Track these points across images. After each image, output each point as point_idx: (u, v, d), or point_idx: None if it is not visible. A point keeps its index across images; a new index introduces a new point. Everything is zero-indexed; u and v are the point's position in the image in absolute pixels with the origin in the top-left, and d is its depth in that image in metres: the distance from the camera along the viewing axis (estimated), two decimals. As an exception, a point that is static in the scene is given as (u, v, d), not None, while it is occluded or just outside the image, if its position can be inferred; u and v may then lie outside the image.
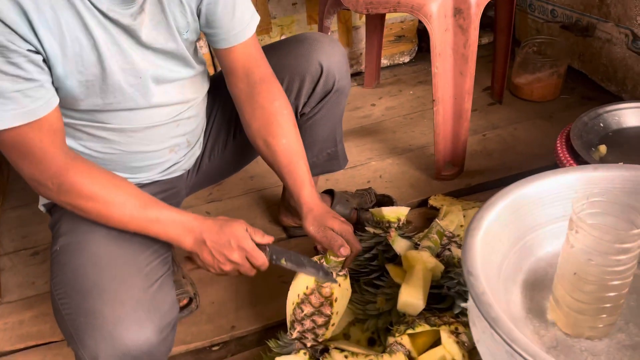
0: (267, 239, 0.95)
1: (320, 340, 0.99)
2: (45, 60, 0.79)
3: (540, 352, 0.52)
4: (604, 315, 0.61)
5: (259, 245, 0.93)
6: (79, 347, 0.82)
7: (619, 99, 1.72)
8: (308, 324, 0.98)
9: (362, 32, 2.02)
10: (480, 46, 2.13)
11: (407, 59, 2.18)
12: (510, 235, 0.71)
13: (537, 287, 0.70)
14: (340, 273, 1.01)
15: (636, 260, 0.58)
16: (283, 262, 0.96)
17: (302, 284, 0.99)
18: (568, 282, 0.61)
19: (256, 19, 1.01)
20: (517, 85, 1.84)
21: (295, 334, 0.99)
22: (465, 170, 1.55)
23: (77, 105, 0.87)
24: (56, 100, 0.82)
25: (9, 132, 0.77)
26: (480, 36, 2.17)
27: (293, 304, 1.00)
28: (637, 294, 0.66)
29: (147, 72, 0.89)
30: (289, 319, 1.01)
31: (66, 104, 0.86)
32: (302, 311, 0.97)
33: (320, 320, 0.98)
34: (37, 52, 0.77)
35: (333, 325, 1.00)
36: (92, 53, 0.81)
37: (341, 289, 1.00)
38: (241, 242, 0.90)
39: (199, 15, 0.93)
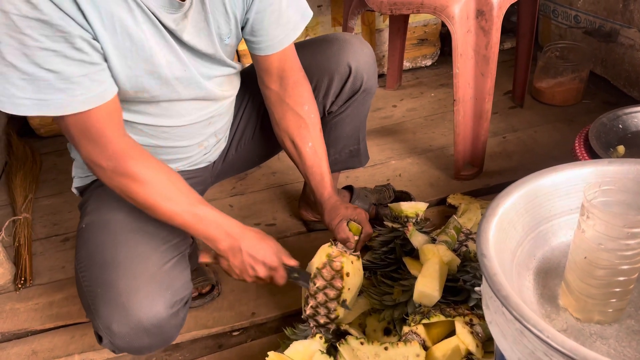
0: (294, 262, 1.01)
1: (332, 316, 1.03)
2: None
3: (549, 327, 0.54)
4: (614, 300, 0.63)
5: (285, 266, 1.00)
6: (94, 316, 0.87)
7: (642, 105, 1.72)
8: (320, 297, 1.02)
9: (385, 34, 2.06)
10: (502, 51, 2.16)
11: (429, 62, 2.21)
12: (525, 224, 0.73)
13: (550, 274, 0.72)
14: (354, 253, 1.05)
15: (645, 246, 0.60)
16: (299, 280, 1.03)
17: (318, 259, 1.04)
18: (579, 267, 0.63)
19: (307, 17, 1.02)
20: (538, 90, 1.86)
21: (308, 310, 1.03)
22: (485, 170, 1.57)
23: (121, 95, 0.89)
24: (115, 86, 0.85)
25: (75, 115, 0.81)
26: (502, 41, 2.20)
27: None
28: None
29: (190, 67, 0.93)
30: (303, 298, 1.06)
31: None
32: (315, 284, 1.02)
33: (332, 293, 1.02)
34: (94, 38, 0.80)
35: (344, 301, 1.03)
36: (140, 46, 0.85)
37: (353, 267, 1.04)
38: (272, 262, 0.97)
39: (244, 24, 0.97)
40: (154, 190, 0.88)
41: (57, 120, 0.84)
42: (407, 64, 2.17)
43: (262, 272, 0.96)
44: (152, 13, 0.84)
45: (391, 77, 2.06)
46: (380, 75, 2.15)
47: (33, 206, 1.66)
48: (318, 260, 1.05)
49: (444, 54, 2.23)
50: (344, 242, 1.06)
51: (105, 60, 0.83)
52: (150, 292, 0.86)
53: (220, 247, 0.94)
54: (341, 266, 1.02)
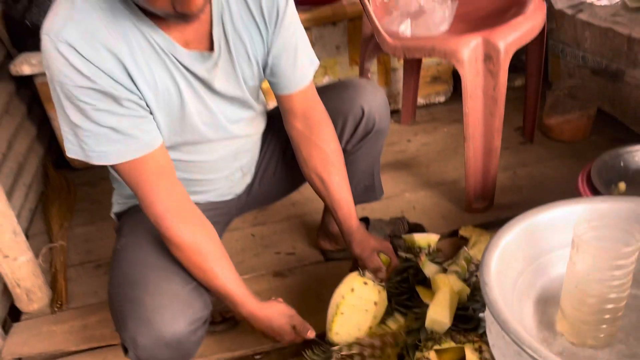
0: (311, 334, 1.12)
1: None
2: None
3: (543, 349, 0.61)
4: (605, 326, 0.70)
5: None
6: (122, 329, 0.96)
7: (648, 141, 1.78)
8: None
9: (400, 73, 2.17)
10: (513, 88, 2.25)
11: (442, 99, 2.31)
12: (526, 256, 0.81)
13: (549, 302, 0.79)
14: (381, 283, 1.14)
15: (631, 275, 0.67)
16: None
17: (346, 287, 1.13)
18: (572, 296, 0.70)
19: (315, 64, 1.14)
20: (548, 126, 1.93)
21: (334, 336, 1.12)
22: (495, 204, 1.64)
23: None
24: (160, 135, 0.98)
25: (129, 164, 0.94)
26: (513, 79, 2.29)
27: (336, 305, 1.13)
28: (632, 312, 0.75)
29: (217, 113, 1.05)
30: (329, 319, 1.13)
31: None
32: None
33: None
34: (140, 98, 0.94)
35: (370, 328, 1.11)
36: (177, 99, 0.97)
37: (380, 297, 1.13)
38: (282, 338, 1.10)
39: (264, 67, 1.08)
40: (187, 256, 1.00)
41: (117, 168, 0.96)
42: (421, 101, 2.27)
43: (282, 340, 1.10)
44: (186, 68, 0.96)
45: (406, 113, 2.16)
46: (396, 111, 2.25)
47: (68, 234, 1.77)
48: (345, 288, 1.13)
49: (456, 91, 2.32)
50: (376, 271, 1.16)
51: (150, 112, 0.96)
52: (173, 309, 0.95)
53: (239, 314, 1.08)
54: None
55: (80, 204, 1.94)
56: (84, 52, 0.84)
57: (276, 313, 1.09)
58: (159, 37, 0.92)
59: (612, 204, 0.81)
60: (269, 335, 1.10)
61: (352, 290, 1.13)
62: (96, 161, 0.93)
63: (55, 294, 1.51)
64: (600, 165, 1.27)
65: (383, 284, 1.15)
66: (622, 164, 1.30)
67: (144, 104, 0.94)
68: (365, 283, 1.14)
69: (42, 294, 1.48)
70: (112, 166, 0.95)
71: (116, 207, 1.20)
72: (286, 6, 1.02)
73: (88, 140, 0.91)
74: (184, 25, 0.93)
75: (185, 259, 1.00)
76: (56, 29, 0.84)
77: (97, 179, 2.06)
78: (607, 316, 0.69)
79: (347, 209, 1.20)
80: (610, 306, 0.68)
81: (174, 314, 0.95)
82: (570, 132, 1.88)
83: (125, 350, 0.99)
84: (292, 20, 1.05)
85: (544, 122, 1.95)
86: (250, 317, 1.07)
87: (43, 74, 1.91)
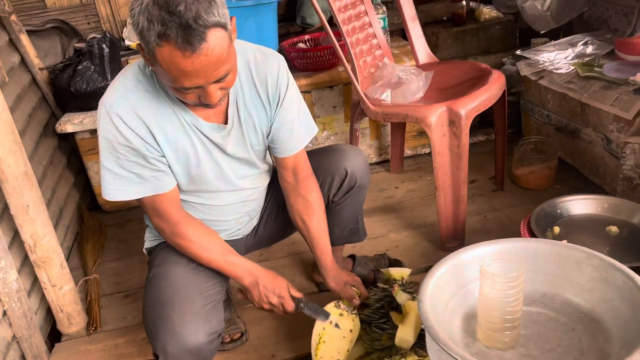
0: (299, 294, 1.38)
1: None
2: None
3: (453, 345, 0.88)
4: (508, 332, 0.96)
5: (292, 297, 1.36)
6: (155, 340, 1.22)
7: (603, 190, 2.05)
8: None
9: (389, 128, 2.48)
10: (490, 141, 2.55)
11: (427, 150, 2.60)
12: (456, 283, 1.07)
13: (473, 318, 1.05)
14: (353, 312, 1.39)
15: (521, 294, 0.93)
16: (304, 309, 1.38)
17: (320, 325, 1.40)
18: (483, 310, 0.97)
19: (313, 132, 1.42)
20: (516, 176, 2.22)
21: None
22: (466, 243, 1.90)
23: (180, 187, 1.33)
24: (175, 182, 1.30)
25: (147, 198, 1.26)
26: (488, 133, 2.60)
27: (318, 335, 1.39)
28: (533, 324, 1.01)
29: (227, 170, 1.35)
30: (313, 346, 1.39)
31: None
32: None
33: None
34: (162, 156, 1.25)
35: (348, 351, 1.37)
36: (194, 159, 1.28)
37: (354, 323, 1.38)
38: (281, 292, 1.34)
39: (267, 135, 1.38)
40: (198, 245, 1.31)
41: (138, 201, 1.27)
42: (409, 152, 2.57)
43: (274, 300, 1.33)
44: (205, 135, 1.27)
45: (394, 163, 2.46)
46: (386, 161, 2.55)
47: (100, 268, 2.06)
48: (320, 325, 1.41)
49: (441, 143, 2.62)
50: (351, 299, 1.42)
51: (169, 167, 1.27)
52: (195, 324, 1.21)
53: (244, 282, 1.34)
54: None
55: (110, 242, 2.24)
56: (126, 121, 1.18)
57: (275, 273, 1.36)
58: (187, 114, 1.24)
59: (514, 244, 1.10)
60: (264, 294, 1.32)
61: (331, 322, 1.40)
62: (114, 197, 1.24)
63: (90, 319, 1.78)
64: (539, 213, 1.55)
65: (356, 312, 1.42)
66: (558, 211, 1.57)
67: (165, 161, 1.26)
68: (341, 314, 1.41)
69: (80, 319, 1.76)
70: (138, 200, 1.26)
71: (147, 244, 1.49)
72: (286, 91, 1.33)
73: (113, 181, 1.23)
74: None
75: (193, 250, 1.30)
76: (111, 102, 1.18)
77: (125, 221, 2.37)
78: (508, 325, 0.95)
79: (324, 247, 1.46)
80: (509, 317, 0.94)
81: (195, 328, 1.21)
82: (536, 181, 2.16)
83: (156, 357, 1.26)
84: (292, 101, 1.36)
85: (513, 172, 2.23)
86: (254, 273, 1.32)
87: (83, 132, 2.25)
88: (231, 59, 1.08)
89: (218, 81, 1.08)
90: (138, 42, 1.06)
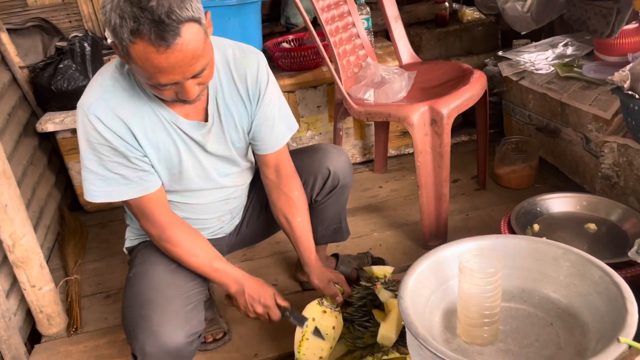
0: (285, 303, 1.37)
1: None
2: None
3: (431, 339, 0.88)
4: (486, 328, 0.97)
5: (278, 306, 1.36)
6: (133, 340, 1.21)
7: (582, 189, 2.08)
8: None
9: (373, 128, 2.49)
10: (473, 141, 2.58)
11: (411, 150, 2.62)
12: (437, 280, 1.08)
13: (453, 314, 1.06)
14: (336, 309, 1.40)
15: (499, 289, 0.95)
16: (290, 318, 1.37)
17: (308, 316, 1.40)
18: (462, 306, 0.98)
19: (293, 129, 1.41)
20: (498, 175, 2.24)
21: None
22: (448, 242, 1.92)
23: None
24: (160, 182, 1.28)
25: (133, 200, 1.24)
26: (471, 134, 2.62)
27: (302, 332, 1.39)
28: (512, 319, 1.02)
29: (209, 168, 1.34)
30: (296, 343, 1.39)
31: None
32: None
33: None
34: (144, 156, 1.24)
35: (331, 348, 1.37)
36: (175, 158, 1.27)
37: (337, 321, 1.39)
38: (267, 301, 1.34)
39: (248, 132, 1.38)
40: (185, 250, 1.29)
41: (124, 202, 1.25)
42: (392, 152, 2.59)
43: (260, 310, 1.31)
44: (185, 133, 1.26)
45: (378, 163, 2.47)
46: (370, 161, 2.56)
47: (81, 269, 2.04)
48: (307, 314, 1.40)
49: (424, 143, 2.64)
50: (334, 296, 1.42)
51: (152, 166, 1.26)
52: (175, 325, 1.20)
53: (230, 290, 1.33)
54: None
55: (91, 242, 2.22)
56: (106, 122, 1.16)
57: (262, 281, 1.36)
58: (166, 112, 1.23)
59: (493, 240, 1.11)
60: (250, 303, 1.31)
61: (314, 319, 1.39)
62: (98, 199, 1.22)
63: (71, 320, 1.76)
64: (519, 210, 1.57)
65: (339, 309, 1.42)
66: (538, 209, 1.59)
67: (147, 161, 1.24)
68: (324, 312, 1.41)
69: (61, 319, 1.73)
70: (124, 202, 1.24)
71: (128, 243, 1.48)
72: (266, 87, 1.33)
73: (97, 182, 1.21)
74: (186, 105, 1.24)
75: (180, 255, 1.29)
76: (89, 103, 1.17)
77: (107, 221, 2.34)
78: (486, 320, 0.96)
79: (307, 244, 1.47)
80: (487, 312, 0.95)
81: (175, 329, 1.20)
82: (517, 180, 2.19)
83: (135, 358, 1.24)
84: (272, 97, 1.35)
85: (494, 171, 2.26)
86: (240, 281, 1.31)
87: (64, 131, 2.23)
88: (207, 54, 1.07)
89: (195, 76, 1.07)
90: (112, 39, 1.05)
